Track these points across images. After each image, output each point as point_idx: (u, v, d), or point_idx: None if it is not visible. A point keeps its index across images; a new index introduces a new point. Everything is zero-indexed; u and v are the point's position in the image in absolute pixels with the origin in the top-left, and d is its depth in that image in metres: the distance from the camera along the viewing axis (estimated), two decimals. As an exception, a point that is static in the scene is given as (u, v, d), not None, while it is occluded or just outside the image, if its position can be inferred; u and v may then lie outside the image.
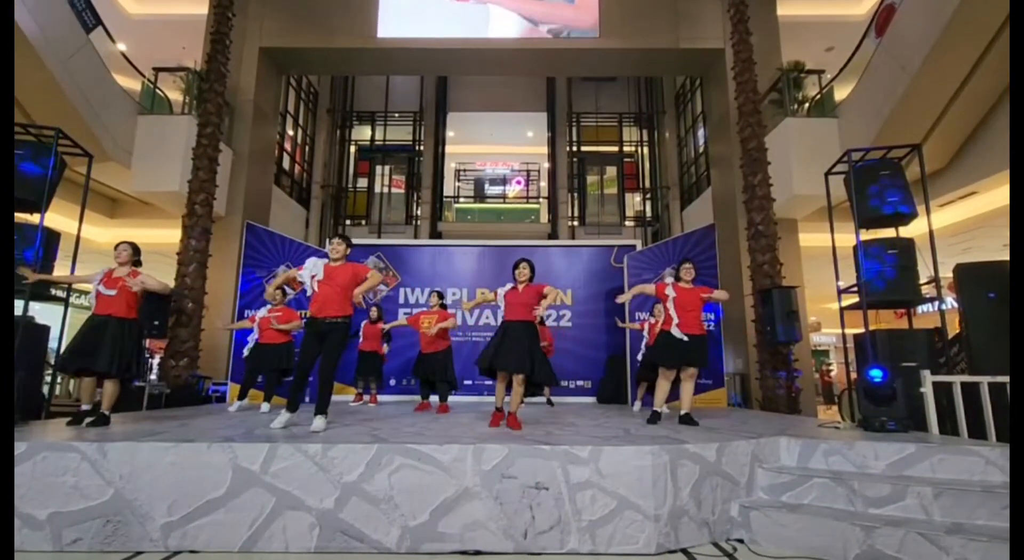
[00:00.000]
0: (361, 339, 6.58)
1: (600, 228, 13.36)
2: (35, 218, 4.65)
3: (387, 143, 14.36)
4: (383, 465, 2.93)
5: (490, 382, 4.45)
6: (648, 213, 13.97)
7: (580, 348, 8.19)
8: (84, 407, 4.12)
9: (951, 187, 7.93)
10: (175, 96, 9.18)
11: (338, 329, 3.93)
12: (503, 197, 15.92)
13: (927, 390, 4.23)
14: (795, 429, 4.13)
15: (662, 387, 4.67)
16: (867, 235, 5.22)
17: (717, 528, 3.10)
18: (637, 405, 6.50)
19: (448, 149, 14.83)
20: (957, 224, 9.21)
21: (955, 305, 5.19)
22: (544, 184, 15.18)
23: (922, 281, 5.12)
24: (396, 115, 14.50)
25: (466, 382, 7.71)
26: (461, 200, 15.75)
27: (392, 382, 8.00)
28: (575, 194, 13.97)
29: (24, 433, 3.48)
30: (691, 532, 2.99)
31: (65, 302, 5.07)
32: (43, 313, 5.00)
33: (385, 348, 6.77)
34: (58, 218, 7.03)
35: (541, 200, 15.15)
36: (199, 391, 7.30)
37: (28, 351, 4.34)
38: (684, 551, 2.90)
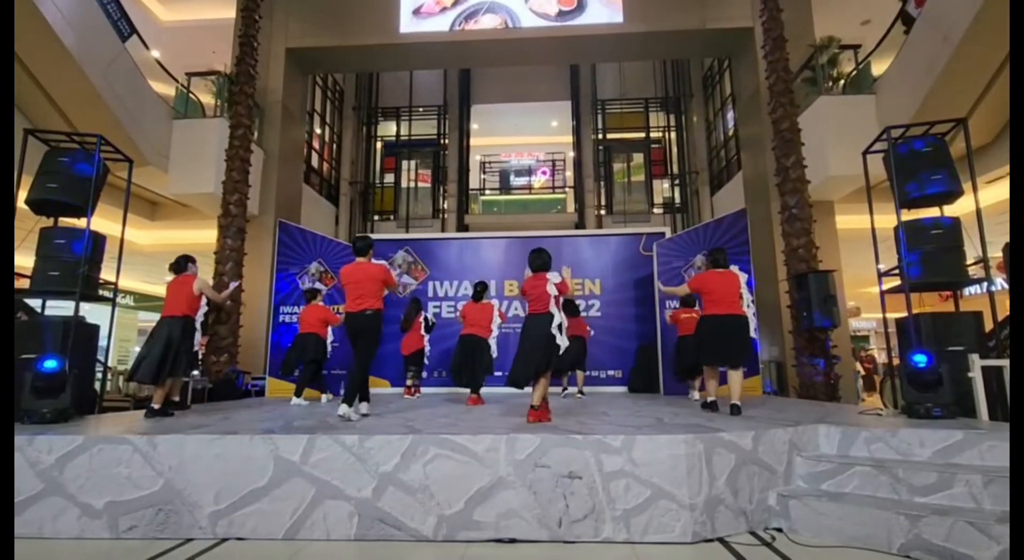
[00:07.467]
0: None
1: (627, 216, 13.19)
2: (82, 222, 4.87)
3: (412, 138, 14.47)
4: (418, 455, 2.98)
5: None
6: (677, 199, 13.72)
7: (610, 338, 8.13)
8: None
9: (999, 162, 7.53)
10: (207, 100, 9.45)
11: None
12: (529, 188, 15.86)
13: (975, 375, 4.06)
14: (834, 417, 4.03)
15: None
16: (909, 215, 5.00)
17: (755, 517, 3.06)
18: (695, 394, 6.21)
19: (473, 142, 14.86)
20: (1007, 201, 8.76)
21: (1005, 286, 4.94)
22: (570, 173, 15.07)
23: (969, 262, 4.89)
24: (420, 110, 14.59)
25: (496, 373, 7.72)
26: (487, 192, 15.77)
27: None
28: (601, 182, 13.82)
29: (80, 427, 3.68)
30: (728, 521, 2.96)
31: (112, 302, 5.31)
32: (92, 313, 5.25)
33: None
34: (103, 222, 7.34)
35: (567, 190, 15.06)
36: (239, 385, 7.56)
37: (80, 349, 4.57)
38: (721, 540, 2.87)
